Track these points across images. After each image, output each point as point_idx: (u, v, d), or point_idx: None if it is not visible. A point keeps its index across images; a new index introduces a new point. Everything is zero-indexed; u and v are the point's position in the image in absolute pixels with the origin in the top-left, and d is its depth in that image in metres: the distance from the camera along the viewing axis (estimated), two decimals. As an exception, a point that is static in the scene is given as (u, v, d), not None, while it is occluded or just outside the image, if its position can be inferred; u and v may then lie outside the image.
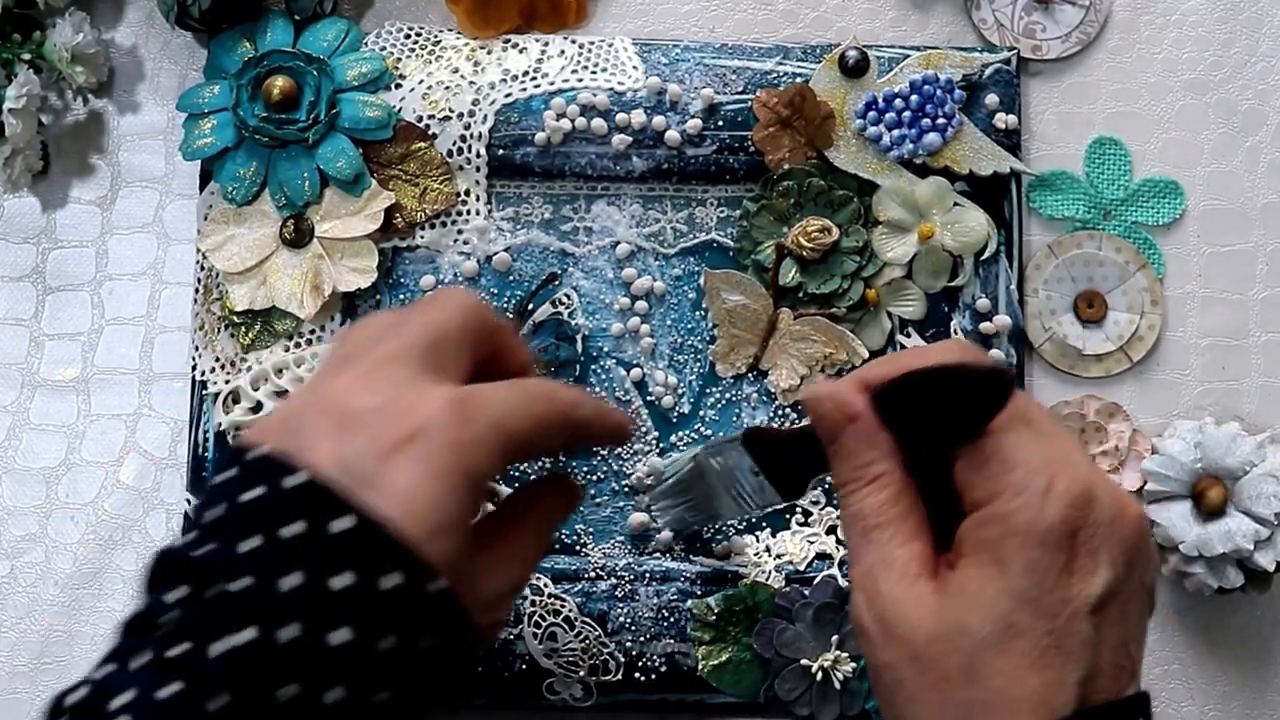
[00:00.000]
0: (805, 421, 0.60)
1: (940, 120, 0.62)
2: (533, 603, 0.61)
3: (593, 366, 0.63)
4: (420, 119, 0.63)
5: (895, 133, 0.62)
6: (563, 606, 0.61)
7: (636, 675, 0.61)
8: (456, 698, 0.56)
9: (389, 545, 0.40)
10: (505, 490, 0.60)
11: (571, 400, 0.47)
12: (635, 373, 0.63)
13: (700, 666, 0.61)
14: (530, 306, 0.63)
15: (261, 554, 0.40)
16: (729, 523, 0.62)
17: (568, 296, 0.63)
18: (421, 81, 0.63)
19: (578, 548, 0.62)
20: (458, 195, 0.63)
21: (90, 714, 0.39)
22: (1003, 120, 0.63)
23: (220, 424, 0.62)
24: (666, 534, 0.62)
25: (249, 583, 0.40)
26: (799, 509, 0.62)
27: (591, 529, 0.62)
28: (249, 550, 0.40)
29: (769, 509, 0.54)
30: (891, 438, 0.46)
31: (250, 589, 0.39)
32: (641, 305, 0.63)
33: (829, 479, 0.51)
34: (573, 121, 0.63)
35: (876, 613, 0.44)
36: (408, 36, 0.64)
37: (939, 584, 0.44)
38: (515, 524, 0.48)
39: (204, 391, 0.62)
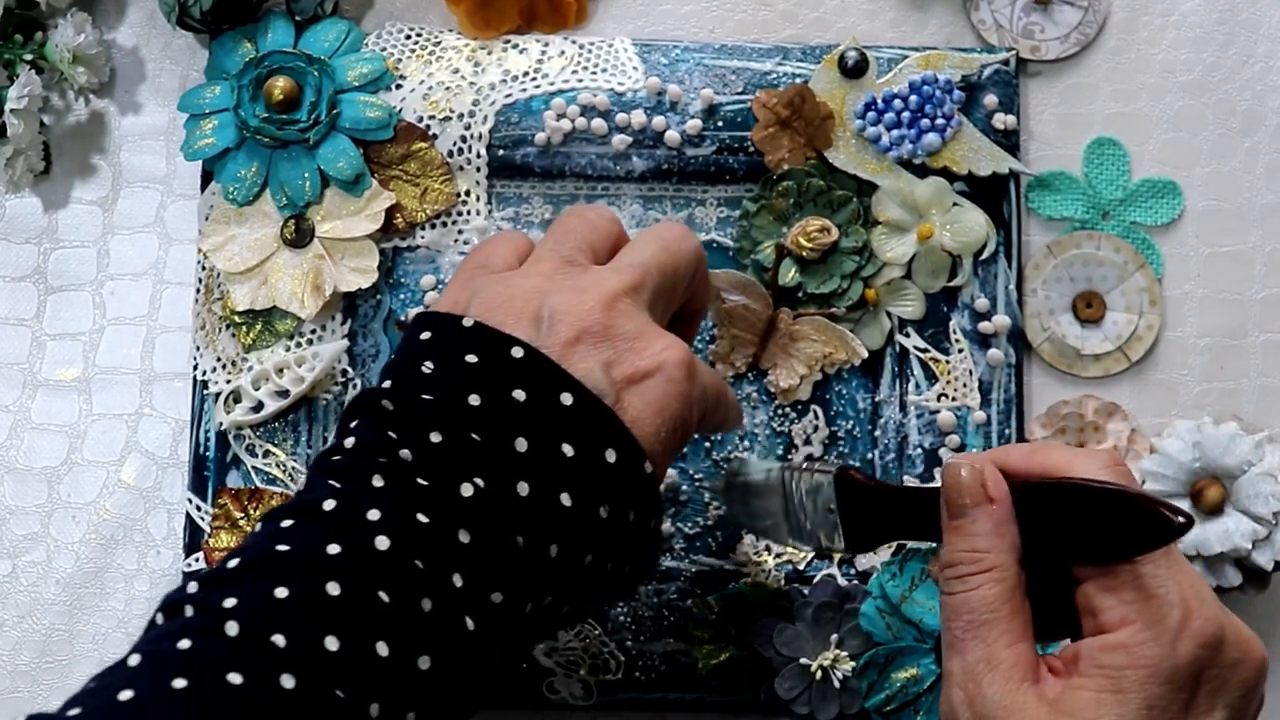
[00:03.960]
0: (911, 482, 0.60)
1: (939, 121, 0.63)
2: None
3: (593, 366, 0.63)
4: (421, 119, 0.63)
5: (894, 133, 0.63)
6: (563, 606, 0.61)
7: (637, 674, 0.61)
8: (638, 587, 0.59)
9: (611, 424, 0.45)
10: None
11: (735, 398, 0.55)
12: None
13: (700, 666, 0.61)
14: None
15: (491, 413, 0.44)
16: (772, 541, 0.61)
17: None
18: (422, 82, 0.64)
19: (578, 547, 0.62)
20: (458, 195, 0.63)
21: (348, 524, 0.42)
22: (1001, 121, 0.63)
23: (221, 423, 0.62)
24: (666, 526, 0.62)
25: (481, 438, 0.44)
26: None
27: (591, 528, 0.62)
28: (477, 405, 0.44)
29: (824, 552, 0.53)
30: (1018, 532, 0.46)
31: (484, 444, 0.44)
32: (641, 305, 0.63)
33: (907, 545, 0.53)
34: (573, 122, 0.63)
35: (977, 713, 0.44)
36: (408, 37, 0.65)
37: (1045, 694, 0.44)
38: None
39: (205, 391, 0.63)
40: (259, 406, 0.62)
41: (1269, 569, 0.60)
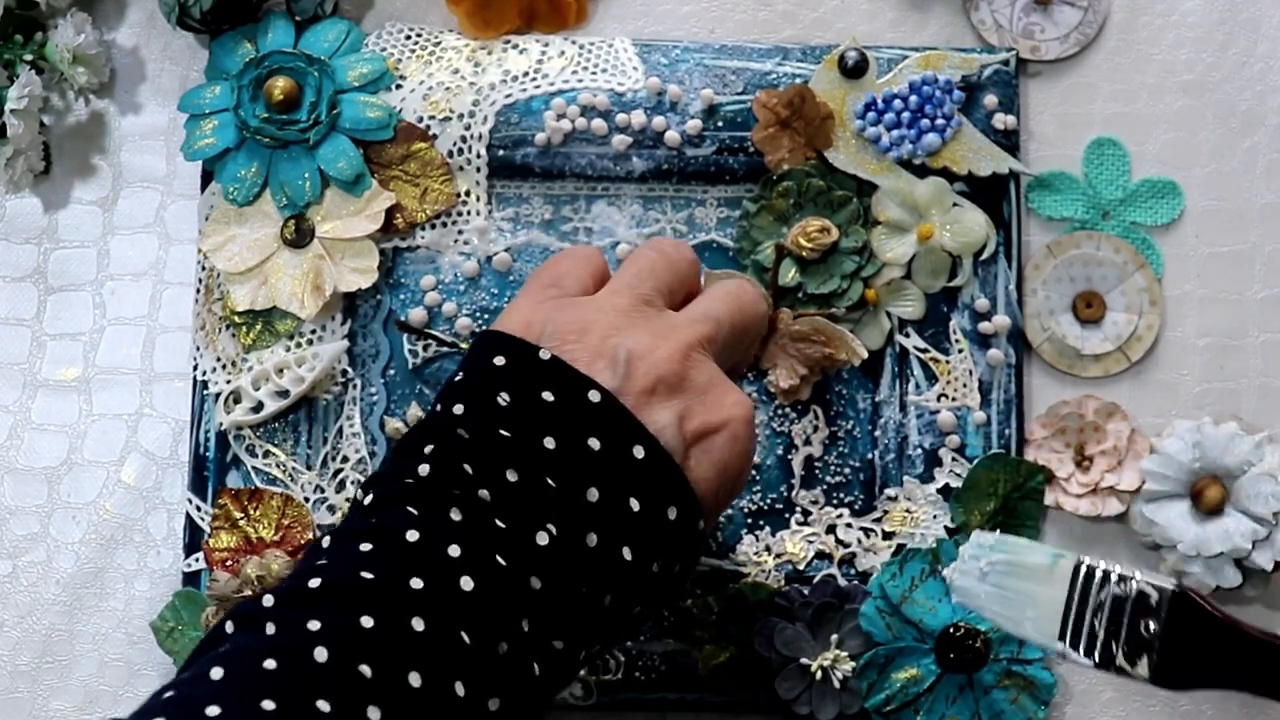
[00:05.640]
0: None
1: (939, 121, 0.63)
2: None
3: (593, 366, 0.63)
4: (421, 119, 0.63)
5: (894, 133, 0.63)
6: (563, 606, 0.61)
7: (636, 674, 0.61)
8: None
9: (677, 481, 0.46)
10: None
11: None
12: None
13: (700, 666, 0.61)
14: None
15: (564, 458, 0.45)
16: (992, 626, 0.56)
17: (568, 296, 0.63)
18: (422, 82, 0.64)
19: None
20: (458, 195, 0.63)
21: (430, 558, 0.42)
22: (1001, 121, 0.63)
23: (221, 424, 0.62)
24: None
25: (556, 485, 0.44)
26: (799, 508, 0.62)
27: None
28: (552, 448, 0.44)
29: (1112, 671, 0.45)
30: None
31: (557, 490, 0.44)
32: (641, 305, 0.63)
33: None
34: (573, 122, 0.63)
35: None
36: (408, 37, 0.65)
37: None
38: None
39: (205, 391, 0.63)
40: (259, 406, 0.62)
41: (1269, 569, 0.60)
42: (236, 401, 0.62)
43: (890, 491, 0.62)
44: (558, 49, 0.64)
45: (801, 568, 0.62)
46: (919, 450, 0.62)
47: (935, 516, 0.62)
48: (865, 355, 0.62)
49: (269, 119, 0.62)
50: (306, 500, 0.62)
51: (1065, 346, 0.63)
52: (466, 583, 0.42)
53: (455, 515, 0.43)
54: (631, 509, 0.45)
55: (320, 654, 0.39)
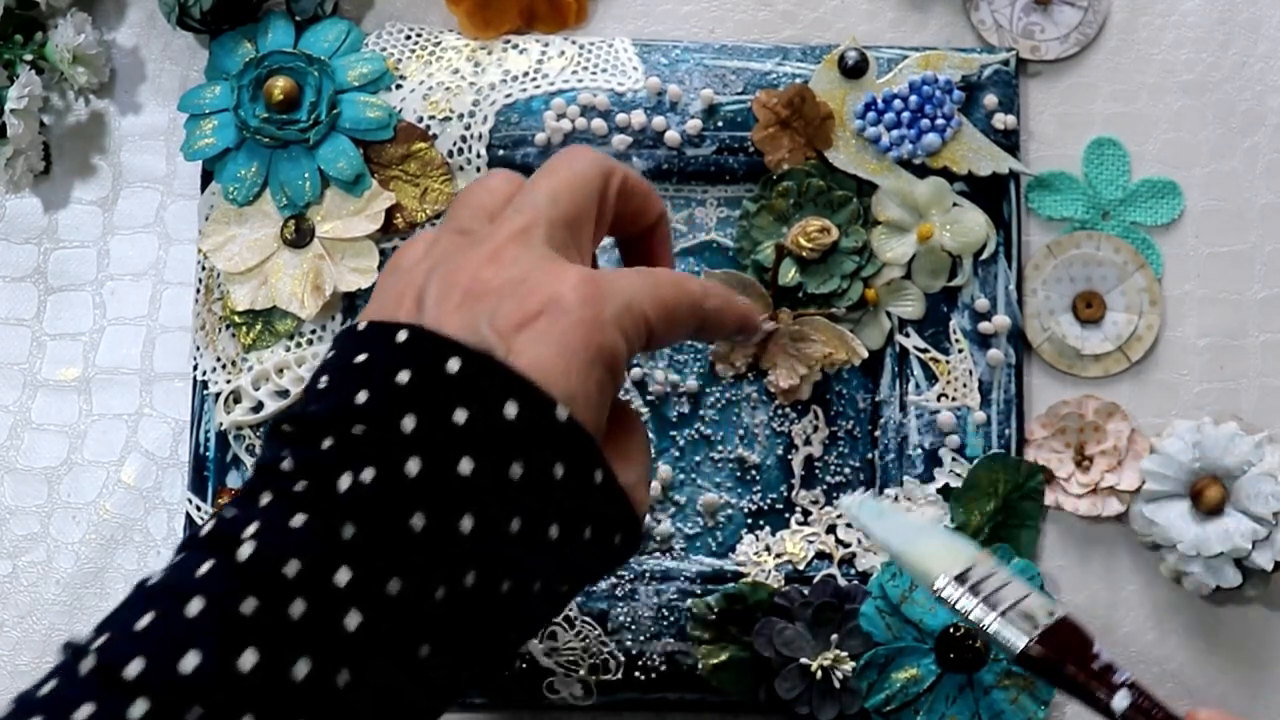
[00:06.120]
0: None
1: (939, 121, 0.63)
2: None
3: (593, 366, 0.63)
4: (421, 119, 0.63)
5: (894, 133, 0.63)
6: (563, 606, 0.61)
7: (636, 674, 0.61)
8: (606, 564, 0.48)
9: (504, 376, 0.41)
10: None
11: (700, 290, 0.47)
12: (635, 372, 0.63)
13: (700, 666, 0.61)
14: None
15: (376, 402, 0.41)
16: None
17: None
18: (422, 82, 0.64)
19: (578, 547, 0.62)
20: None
21: (221, 541, 0.39)
22: (1001, 121, 0.63)
23: (221, 424, 0.62)
24: (668, 527, 0.62)
25: (365, 428, 0.40)
26: (799, 508, 0.62)
27: (591, 528, 0.62)
28: (363, 401, 0.41)
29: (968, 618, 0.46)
30: None
31: (368, 433, 0.40)
32: (641, 305, 0.63)
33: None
34: (573, 122, 0.63)
35: None
36: (408, 37, 0.65)
37: None
38: (628, 412, 0.47)
39: (205, 391, 0.63)
40: (259, 406, 0.62)
41: (1269, 569, 0.60)
42: (236, 401, 0.62)
43: (890, 491, 0.62)
44: (558, 49, 0.64)
45: (801, 568, 0.62)
46: (919, 450, 0.62)
47: (935, 516, 0.62)
48: (865, 355, 0.62)
49: (269, 119, 0.62)
50: (306, 500, 0.62)
51: (1065, 346, 0.63)
52: (245, 551, 0.39)
53: (264, 499, 0.40)
54: (456, 422, 0.40)
55: (86, 664, 0.39)
